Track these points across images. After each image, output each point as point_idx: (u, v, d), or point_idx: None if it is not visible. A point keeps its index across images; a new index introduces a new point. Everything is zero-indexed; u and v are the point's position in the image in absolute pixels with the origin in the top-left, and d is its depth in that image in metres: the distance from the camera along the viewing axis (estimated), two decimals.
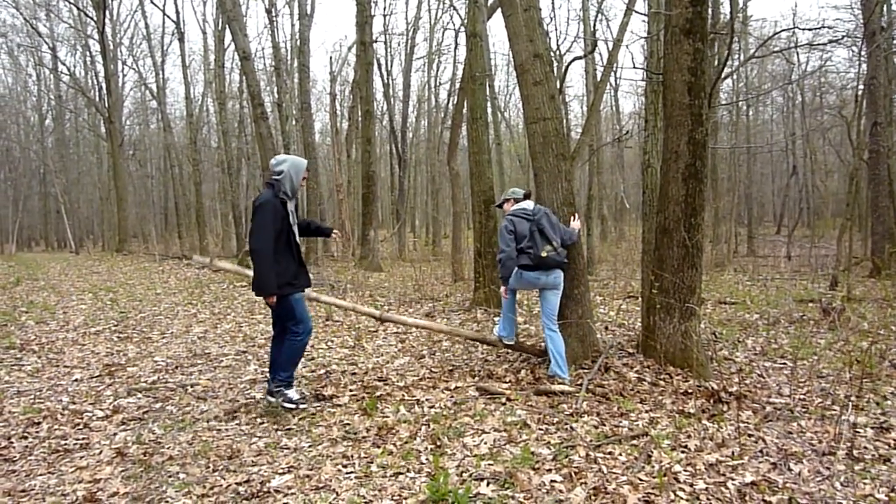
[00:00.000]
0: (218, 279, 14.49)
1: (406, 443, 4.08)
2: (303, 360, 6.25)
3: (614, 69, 11.77)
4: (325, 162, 35.40)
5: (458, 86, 28.26)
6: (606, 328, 7.40)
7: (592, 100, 11.30)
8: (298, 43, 17.55)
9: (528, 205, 5.22)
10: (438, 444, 4.00)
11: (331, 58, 24.75)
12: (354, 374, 5.88)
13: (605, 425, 4.20)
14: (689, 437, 3.94)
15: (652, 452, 3.68)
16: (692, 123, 4.99)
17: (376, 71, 25.01)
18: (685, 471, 3.45)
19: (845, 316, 8.18)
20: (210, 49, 25.65)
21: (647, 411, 4.43)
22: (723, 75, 6.35)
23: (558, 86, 6.06)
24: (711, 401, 4.55)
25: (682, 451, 3.71)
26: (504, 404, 4.71)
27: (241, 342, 7.45)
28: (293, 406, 4.78)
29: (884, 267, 13.30)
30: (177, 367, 6.34)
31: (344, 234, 22.36)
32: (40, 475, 3.84)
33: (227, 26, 17.00)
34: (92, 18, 24.91)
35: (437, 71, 31.84)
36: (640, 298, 9.79)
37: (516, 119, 33.27)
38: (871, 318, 8.45)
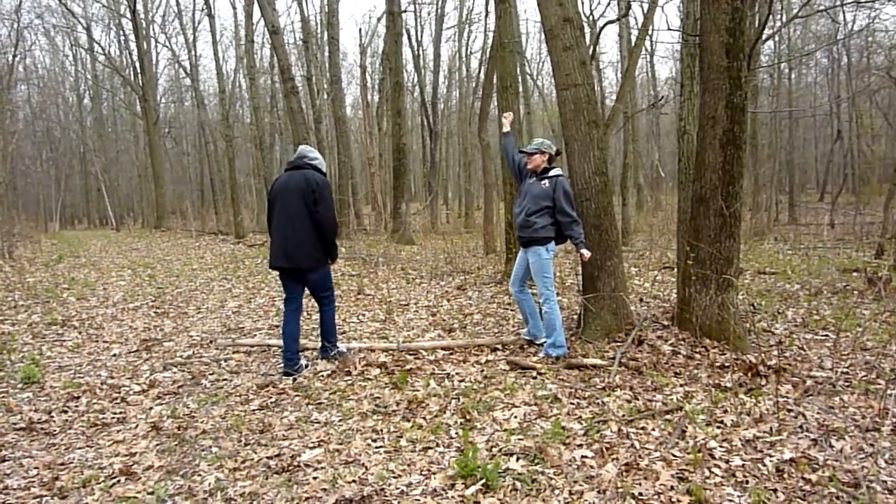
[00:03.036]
0: (252, 254, 14.66)
1: (436, 416, 4.06)
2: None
3: (649, 32, 11.39)
4: (356, 136, 35.42)
5: (488, 55, 27.83)
6: (641, 300, 7.26)
7: (627, 65, 10.99)
8: (327, 15, 17.42)
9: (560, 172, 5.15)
10: (468, 418, 3.97)
11: (360, 30, 24.71)
12: (385, 349, 5.87)
13: (637, 400, 4.12)
14: (725, 412, 3.83)
15: (686, 428, 3.59)
16: (730, 87, 4.78)
17: (406, 42, 24.75)
18: (721, 447, 3.35)
19: (892, 286, 7.88)
20: (240, 24, 25.67)
21: (681, 385, 4.33)
22: (763, 36, 6.06)
23: (591, 51, 5.86)
24: (749, 374, 4.42)
25: (718, 427, 3.62)
26: (535, 378, 4.65)
27: (275, 317, 7.51)
28: (347, 353, 5.48)
29: None
30: (211, 342, 6.43)
31: (376, 208, 22.40)
32: (79, 448, 3.93)
33: (255, 1, 16.94)
34: None
35: (468, 40, 31.47)
36: (675, 269, 9.61)
37: (549, 88, 32.68)
38: None
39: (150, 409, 4.58)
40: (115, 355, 6.17)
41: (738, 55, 4.78)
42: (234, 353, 5.93)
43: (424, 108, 24.72)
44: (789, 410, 3.83)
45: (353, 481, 3.23)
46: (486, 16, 25.79)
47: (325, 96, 22.65)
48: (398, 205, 16.33)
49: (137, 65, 26.34)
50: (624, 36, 15.13)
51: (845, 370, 4.61)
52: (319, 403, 4.46)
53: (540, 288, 5.08)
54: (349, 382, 4.83)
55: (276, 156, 32.44)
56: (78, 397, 4.90)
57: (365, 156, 24.91)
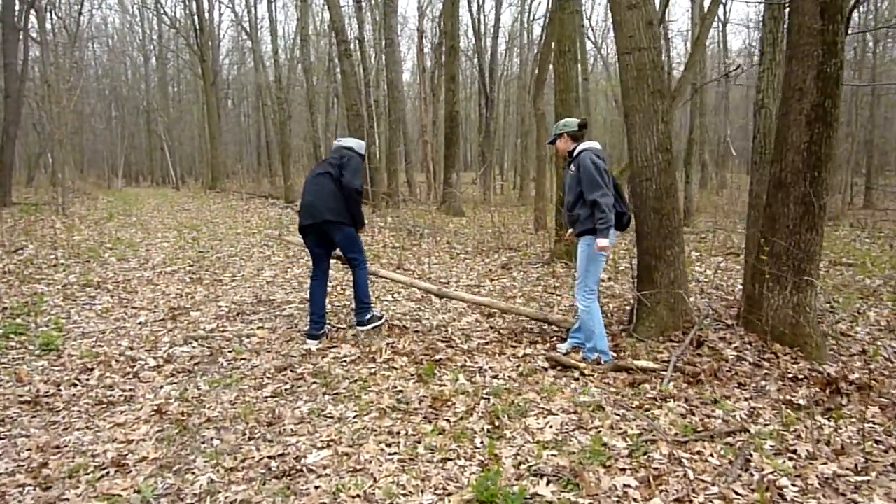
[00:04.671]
0: None
1: (461, 419, 3.62)
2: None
3: None
4: (413, 102, 34.85)
5: (548, 18, 26.72)
6: (702, 291, 6.61)
7: (698, 32, 10.09)
8: None
9: (597, 145, 4.47)
10: (497, 424, 3.51)
11: None
12: (417, 331, 5.45)
13: (693, 415, 3.57)
14: (798, 437, 3.26)
15: (751, 456, 3.04)
16: (823, 54, 4.07)
17: (465, 5, 23.95)
18: (793, 485, 2.80)
19: None
20: None
21: (746, 399, 3.76)
22: None
23: (660, 14, 5.18)
24: (827, 391, 3.81)
25: (790, 458, 3.05)
26: (576, 379, 4.15)
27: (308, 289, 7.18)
28: (381, 320, 5.40)
29: None
30: (238, 314, 6.14)
31: (428, 177, 21.94)
32: (77, 430, 3.66)
33: None
34: None
35: (531, 4, 30.29)
36: (741, 257, 8.84)
37: (612, 56, 31.30)
38: None
39: (161, 387, 4.29)
40: (140, 323, 5.95)
41: (835, 16, 4.06)
42: (257, 329, 5.62)
43: (482, 74, 23.97)
44: (878, 442, 3.22)
45: (358, 496, 2.83)
46: None
47: (383, 59, 22.14)
48: (449, 174, 15.82)
49: (197, 25, 26.33)
50: (696, 1, 14.03)
51: None
52: (337, 394, 4.07)
53: (578, 282, 4.49)
54: (372, 371, 4.43)
55: (334, 119, 32.30)
56: (92, 369, 4.68)
57: (419, 123, 24.36)
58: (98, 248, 10.10)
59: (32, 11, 19.53)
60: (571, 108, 7.85)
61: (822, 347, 4.40)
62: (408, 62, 40.07)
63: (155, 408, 3.91)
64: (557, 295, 6.68)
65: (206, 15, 28.01)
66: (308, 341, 5.16)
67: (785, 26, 5.43)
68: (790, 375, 4.02)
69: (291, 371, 4.51)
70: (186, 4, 32.86)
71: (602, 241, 4.18)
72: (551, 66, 9.50)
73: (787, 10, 4.46)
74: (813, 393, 3.79)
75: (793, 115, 4.24)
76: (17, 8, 17.22)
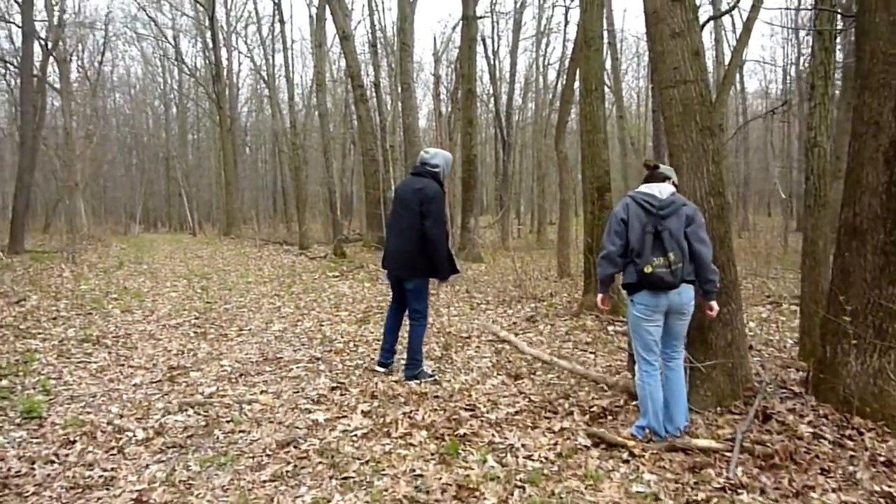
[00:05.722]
0: (311, 268, 14.03)
1: None
2: (381, 377, 5.37)
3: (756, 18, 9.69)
4: (430, 146, 34.73)
5: (570, 57, 26.65)
6: (750, 347, 5.99)
7: (727, 68, 9.68)
8: (399, 21, 16.75)
9: (659, 189, 3.77)
10: None
11: (434, 38, 23.90)
12: (437, 396, 4.88)
13: None
14: None
15: None
16: None
17: (482, 52, 23.92)
18: None
19: None
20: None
21: (834, 490, 3.14)
22: None
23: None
24: None
25: None
26: (626, 461, 3.55)
27: (318, 346, 6.66)
28: (431, 377, 5.28)
29: None
30: (241, 376, 5.61)
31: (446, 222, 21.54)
32: None
33: (326, 5, 16.46)
34: (202, 5, 25.35)
35: (546, 50, 30.40)
36: (784, 306, 8.22)
37: (628, 96, 31.12)
38: None
39: (146, 467, 3.74)
40: (135, 385, 5.44)
41: None
42: (260, 393, 5.08)
43: (498, 118, 23.78)
44: None
45: None
46: (566, 25, 24.66)
47: (399, 104, 22.03)
48: (467, 219, 15.39)
49: (214, 73, 26.56)
50: (721, 39, 13.68)
51: None
52: (345, 478, 3.50)
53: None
54: (386, 449, 3.86)
55: (350, 164, 32.26)
56: (74, 441, 4.14)
57: None
58: (103, 298, 9.68)
59: (53, 60, 19.74)
60: (599, 149, 7.39)
61: None
62: (423, 108, 40.24)
63: (135, 495, 3.36)
64: (591, 352, 6.09)
65: (225, 63, 28.32)
66: (377, 368, 5.43)
67: (837, 58, 4.96)
68: (882, 459, 3.40)
69: (295, 447, 3.95)
70: (206, 55, 33.41)
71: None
72: (574, 108, 9.10)
73: (845, 35, 3.97)
74: None
75: (868, 152, 3.71)
76: (38, 57, 17.35)
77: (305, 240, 18.14)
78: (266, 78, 30.03)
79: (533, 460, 3.62)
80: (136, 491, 3.41)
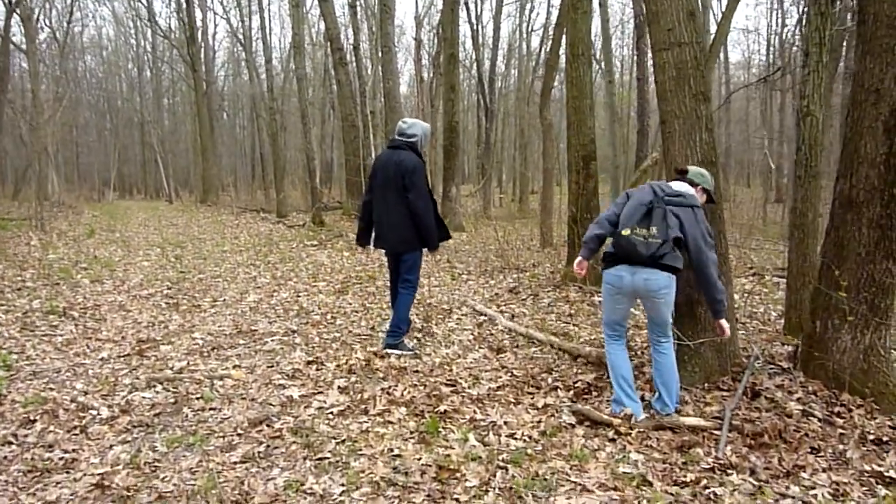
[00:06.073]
0: (289, 236, 13.75)
1: (474, 497, 2.90)
2: (359, 350, 5.20)
3: None
4: (411, 113, 34.27)
5: (550, 31, 26.20)
6: (736, 320, 5.89)
7: (714, 37, 9.47)
8: None
9: (679, 185, 3.68)
10: None
11: (416, 1, 23.29)
12: (417, 370, 4.73)
13: (764, 493, 2.85)
14: None
15: None
16: None
17: (464, 17, 23.40)
18: None
19: None
20: None
21: (824, 470, 3.04)
22: None
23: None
24: None
25: None
26: (612, 440, 3.43)
27: (295, 318, 6.46)
28: (412, 351, 5.18)
29: None
30: (213, 349, 5.41)
31: None
32: None
33: None
34: None
35: (530, 16, 29.91)
36: (767, 278, 8.16)
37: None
38: None
39: (110, 447, 3.56)
40: (102, 359, 5.22)
41: None
42: (233, 368, 4.89)
43: (481, 85, 23.41)
44: None
45: None
46: None
47: (380, 69, 21.52)
48: (448, 188, 15.13)
49: (188, 35, 25.73)
50: (708, 6, 13.43)
51: None
52: (320, 459, 3.34)
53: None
54: (363, 427, 3.70)
55: (330, 130, 31.67)
56: (34, 421, 3.93)
57: None
58: (72, 268, 9.36)
59: (17, 19, 18.92)
60: (585, 116, 7.18)
61: None
62: (405, 73, 39.59)
63: (97, 478, 3.18)
64: (574, 325, 5.96)
65: (199, 24, 27.46)
66: (388, 350, 5.21)
67: (835, 23, 4.79)
68: (872, 437, 3.31)
69: (268, 426, 3.78)
70: (180, 16, 32.38)
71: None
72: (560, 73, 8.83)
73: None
74: None
75: (867, 121, 3.55)
76: (1, 14, 16.60)
77: (283, 207, 17.79)
78: (243, 40, 29.17)
79: (516, 439, 3.49)
80: (98, 474, 3.22)
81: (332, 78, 25.48)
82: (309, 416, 3.89)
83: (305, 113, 17.05)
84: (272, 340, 5.63)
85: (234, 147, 43.21)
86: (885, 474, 2.98)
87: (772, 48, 28.32)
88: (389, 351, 5.13)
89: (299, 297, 7.47)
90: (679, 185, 3.68)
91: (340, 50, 16.65)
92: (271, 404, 4.12)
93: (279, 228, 15.32)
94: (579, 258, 3.85)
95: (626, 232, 3.52)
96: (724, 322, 3.63)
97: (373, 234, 5.41)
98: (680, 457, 3.20)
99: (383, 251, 5.57)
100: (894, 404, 3.62)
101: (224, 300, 7.38)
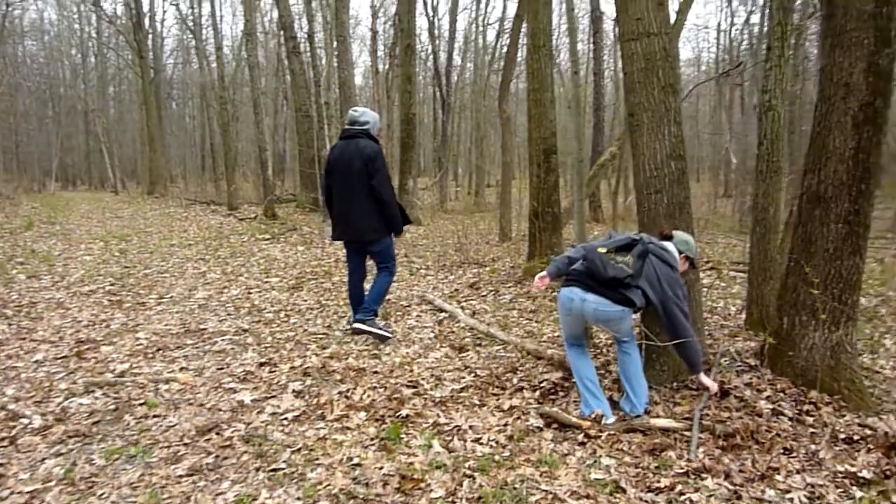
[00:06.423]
0: (241, 229, 13.31)
1: None
2: (314, 353, 4.97)
3: None
4: (367, 105, 33.73)
5: (506, 25, 26.09)
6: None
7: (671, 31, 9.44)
8: None
9: (665, 244, 3.64)
10: None
11: None
12: (377, 371, 4.53)
13: (740, 498, 2.76)
14: None
15: None
16: (875, 42, 3.36)
17: (421, 9, 23.14)
18: None
19: None
20: None
21: (799, 472, 2.97)
22: None
23: None
24: (891, 456, 3.06)
25: None
26: (582, 444, 3.30)
27: (246, 315, 6.18)
28: (384, 333, 5.22)
29: None
30: (159, 350, 5.10)
31: None
32: None
33: None
34: None
35: (486, 10, 29.83)
36: (726, 272, 8.22)
37: (564, 61, 30.89)
38: None
39: (42, 461, 3.26)
40: (37, 362, 4.86)
41: None
42: (180, 370, 4.60)
43: (438, 77, 23.21)
44: None
45: None
46: None
47: (334, 58, 21.06)
48: (405, 181, 14.89)
49: (134, 20, 24.72)
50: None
51: None
52: (274, 470, 3.12)
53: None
54: (321, 434, 3.49)
55: (283, 121, 30.96)
56: None
57: None
58: (6, 262, 8.83)
59: None
60: (546, 109, 7.05)
61: (867, 394, 3.69)
62: (360, 65, 39.07)
63: (26, 498, 2.90)
64: (536, 321, 5.85)
65: (147, 9, 26.47)
66: (357, 325, 5.24)
67: (795, 17, 4.76)
68: (842, 435, 3.26)
69: (217, 434, 3.53)
70: (126, 0, 31.18)
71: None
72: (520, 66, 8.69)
73: None
74: (875, 460, 3.04)
75: (836, 115, 3.50)
76: None
77: (235, 200, 17.25)
78: (192, 27, 28.24)
79: (482, 444, 3.33)
80: (28, 493, 2.94)
81: (285, 67, 24.89)
82: (262, 422, 3.66)
83: (258, 102, 16.55)
84: (222, 340, 5.35)
85: (183, 137, 41.95)
86: (859, 475, 2.92)
87: (721, 45, 28.88)
88: (359, 326, 5.19)
89: (251, 293, 7.17)
90: (666, 244, 3.62)
91: (294, 38, 16.21)
92: (221, 410, 3.87)
93: (230, 221, 14.84)
94: (543, 273, 3.69)
95: (602, 250, 3.43)
96: (703, 378, 3.54)
97: (334, 228, 5.33)
98: (652, 461, 3.09)
99: (342, 244, 5.51)
100: (862, 401, 3.60)
101: (171, 297, 7.02)
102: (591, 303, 3.40)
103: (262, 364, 4.68)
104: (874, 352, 4.97)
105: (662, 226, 3.84)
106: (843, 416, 3.50)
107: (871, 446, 3.15)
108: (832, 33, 3.55)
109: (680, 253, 3.63)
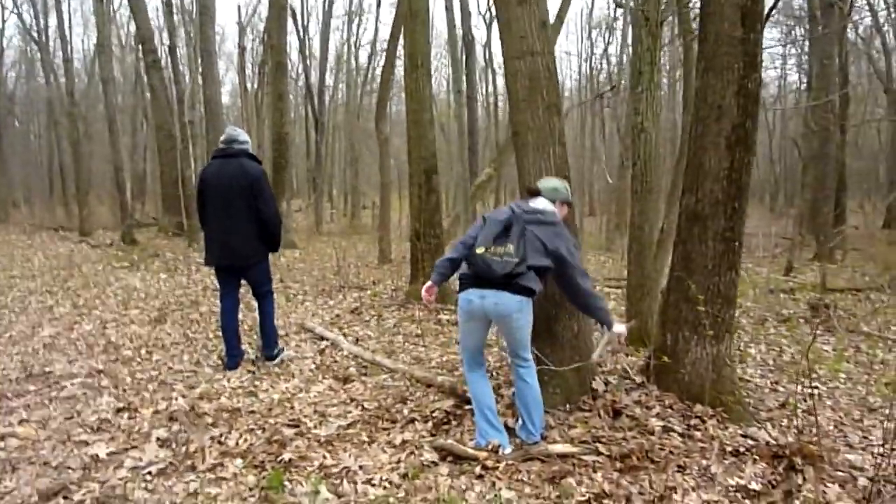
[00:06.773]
0: (94, 257, 12.18)
1: None
2: (181, 394, 4.48)
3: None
4: (235, 124, 32.39)
5: (379, 46, 26.14)
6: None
7: None
8: None
9: (537, 201, 3.55)
10: None
11: (239, 6, 22.19)
12: (253, 411, 4.15)
13: None
14: None
15: None
16: (744, 66, 3.53)
17: (291, 28, 22.60)
18: None
19: (835, 313, 7.17)
20: None
21: (693, 489, 2.98)
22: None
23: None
24: (776, 467, 3.15)
25: None
26: (480, 477, 3.13)
27: (101, 354, 5.52)
28: (294, 355, 5.35)
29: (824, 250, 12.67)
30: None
31: None
32: None
33: None
34: None
35: (358, 31, 29.77)
36: (602, 289, 8.48)
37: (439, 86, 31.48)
38: (859, 313, 7.50)
39: None
40: None
41: (755, 24, 3.54)
42: (19, 423, 3.97)
43: (310, 97, 22.77)
44: None
45: None
46: (378, 7, 24.16)
47: (199, 75, 20.05)
48: (278, 203, 14.34)
49: None
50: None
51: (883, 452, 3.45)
52: None
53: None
54: (191, 489, 3.09)
55: (142, 140, 29.06)
56: None
57: None
58: None
59: None
60: (426, 129, 6.98)
61: (744, 405, 3.82)
62: (227, 83, 37.72)
63: None
64: (422, 346, 5.67)
65: None
66: (228, 372, 4.93)
67: (665, 43, 4.99)
68: (729, 449, 3.33)
69: (65, 498, 3.03)
70: None
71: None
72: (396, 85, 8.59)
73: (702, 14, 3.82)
74: (762, 471, 3.11)
75: (710, 136, 3.64)
76: None
77: (87, 225, 15.82)
78: (37, 38, 25.87)
79: (374, 485, 3.08)
80: None
81: (144, 83, 23.39)
82: (120, 479, 3.19)
83: (113, 119, 15.38)
84: (72, 384, 4.70)
85: (27, 157, 38.22)
86: (748, 487, 2.98)
87: (582, 73, 30.62)
88: (272, 364, 5.12)
89: (106, 328, 6.45)
90: (537, 203, 3.54)
91: (154, 52, 15.23)
92: (70, 468, 3.34)
93: (82, 248, 13.55)
94: (429, 283, 3.54)
95: (480, 250, 3.29)
96: (618, 328, 3.60)
97: (209, 251, 5.06)
98: (553, 490, 2.98)
99: (210, 270, 5.32)
100: (741, 413, 3.71)
101: (10, 336, 6.17)
102: (491, 298, 3.28)
103: (119, 410, 4.14)
104: (742, 361, 5.24)
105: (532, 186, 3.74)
106: (727, 428, 3.59)
107: (756, 457, 3.24)
108: (705, 57, 3.70)
109: (553, 202, 3.58)
